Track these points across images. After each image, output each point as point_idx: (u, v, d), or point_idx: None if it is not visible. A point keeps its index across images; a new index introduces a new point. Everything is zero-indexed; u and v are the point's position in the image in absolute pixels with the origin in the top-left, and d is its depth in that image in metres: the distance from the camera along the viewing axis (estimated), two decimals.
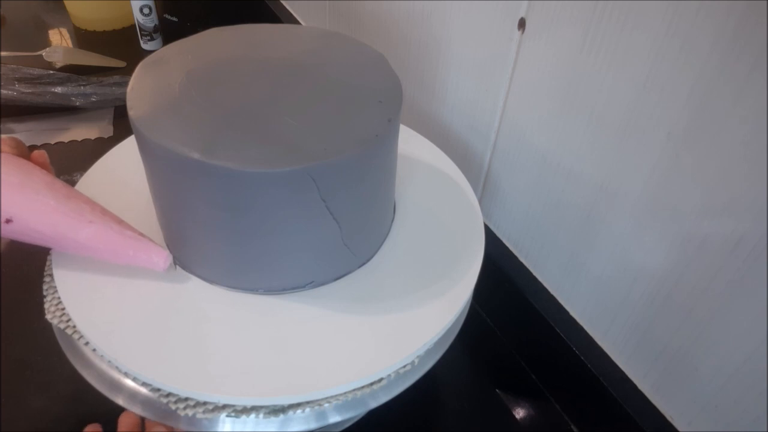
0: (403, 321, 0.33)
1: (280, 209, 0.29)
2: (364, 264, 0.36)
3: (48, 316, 0.32)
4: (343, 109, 0.31)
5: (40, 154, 0.33)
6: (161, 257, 0.32)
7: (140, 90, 0.31)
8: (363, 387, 0.31)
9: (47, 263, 0.35)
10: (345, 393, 0.30)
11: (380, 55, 0.36)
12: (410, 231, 0.38)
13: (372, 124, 0.31)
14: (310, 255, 0.32)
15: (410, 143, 0.44)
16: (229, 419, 0.30)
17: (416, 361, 0.33)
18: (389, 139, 0.32)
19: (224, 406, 0.30)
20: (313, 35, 0.37)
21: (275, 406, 0.30)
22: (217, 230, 0.31)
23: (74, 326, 0.32)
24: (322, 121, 0.30)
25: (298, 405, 0.30)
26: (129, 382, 0.31)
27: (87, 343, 0.31)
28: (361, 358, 0.31)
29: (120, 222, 0.32)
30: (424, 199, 0.41)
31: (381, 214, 0.36)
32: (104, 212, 0.32)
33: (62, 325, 0.32)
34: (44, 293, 0.34)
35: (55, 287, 0.33)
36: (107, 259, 0.32)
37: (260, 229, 0.30)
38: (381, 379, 0.31)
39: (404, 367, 0.32)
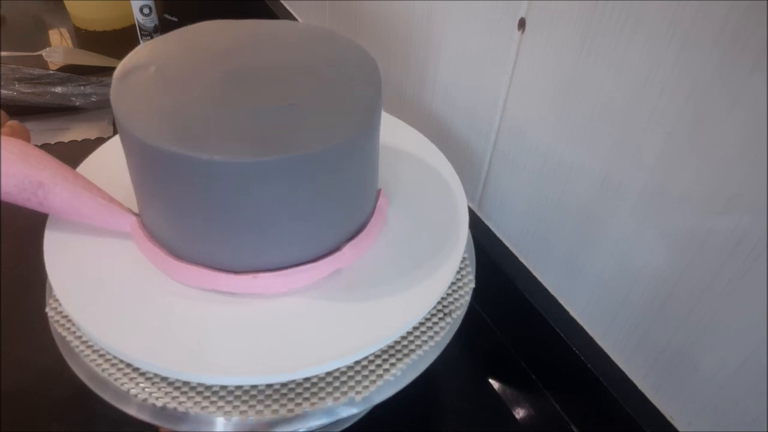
0: (385, 303, 0.33)
1: (277, 197, 0.30)
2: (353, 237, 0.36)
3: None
4: (330, 80, 0.32)
5: (12, 125, 0.35)
6: (128, 221, 0.34)
7: (124, 100, 0.31)
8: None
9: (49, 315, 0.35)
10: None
11: (336, 33, 0.36)
12: (391, 221, 0.38)
13: (361, 97, 0.31)
14: (299, 241, 0.33)
15: (391, 131, 0.44)
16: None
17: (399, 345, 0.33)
18: (378, 110, 0.33)
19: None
20: (272, 26, 0.37)
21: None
22: (220, 224, 0.31)
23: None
24: (314, 103, 0.31)
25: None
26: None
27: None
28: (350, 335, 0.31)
29: (88, 187, 0.33)
30: (403, 187, 0.40)
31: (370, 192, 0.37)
32: (76, 177, 0.33)
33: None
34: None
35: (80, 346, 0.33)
36: (78, 220, 0.34)
37: (261, 216, 0.31)
38: (382, 375, 0.32)
39: (401, 357, 0.32)
